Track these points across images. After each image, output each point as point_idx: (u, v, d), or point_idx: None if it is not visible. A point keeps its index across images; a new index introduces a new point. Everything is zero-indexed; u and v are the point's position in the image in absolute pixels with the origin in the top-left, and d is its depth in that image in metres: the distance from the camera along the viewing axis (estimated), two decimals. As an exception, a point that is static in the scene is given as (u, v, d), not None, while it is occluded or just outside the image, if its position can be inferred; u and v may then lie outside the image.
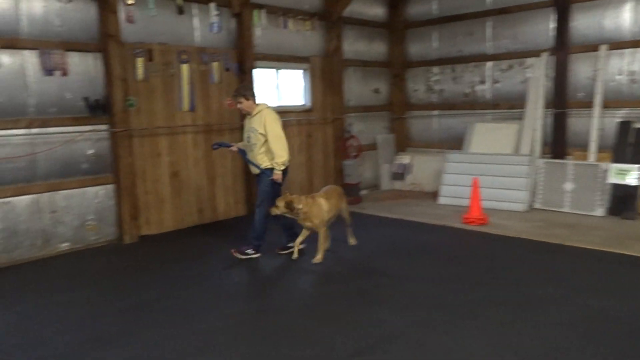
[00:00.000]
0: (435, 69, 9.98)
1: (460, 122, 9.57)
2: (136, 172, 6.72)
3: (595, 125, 7.75)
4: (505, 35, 8.91)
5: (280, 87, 8.57)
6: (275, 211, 5.44)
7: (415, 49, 10.25)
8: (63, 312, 4.42)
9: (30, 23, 5.81)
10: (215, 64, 7.42)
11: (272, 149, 5.52)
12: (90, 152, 6.39)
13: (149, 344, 3.79)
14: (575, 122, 8.10)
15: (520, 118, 8.52)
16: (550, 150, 8.24)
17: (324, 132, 9.17)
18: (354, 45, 9.64)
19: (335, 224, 5.97)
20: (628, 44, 7.60)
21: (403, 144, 10.47)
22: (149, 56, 6.74)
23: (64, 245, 6.21)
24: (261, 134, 5.54)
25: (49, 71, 5.94)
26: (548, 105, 8.29)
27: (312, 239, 5.69)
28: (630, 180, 7.09)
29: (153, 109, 6.87)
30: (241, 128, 7.83)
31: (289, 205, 5.38)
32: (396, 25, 10.22)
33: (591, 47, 7.87)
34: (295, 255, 5.68)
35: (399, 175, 9.98)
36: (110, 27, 6.25)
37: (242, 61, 7.67)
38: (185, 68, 7.10)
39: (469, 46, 9.41)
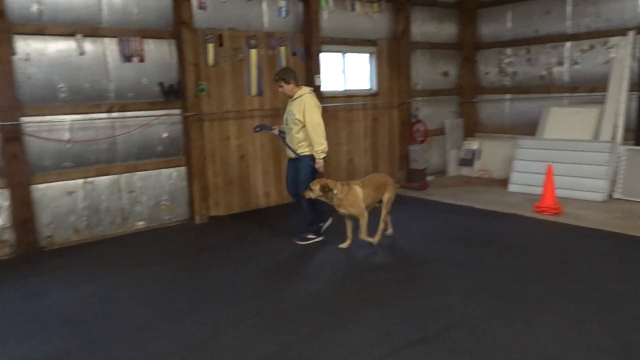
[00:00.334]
0: (509, 51, 9.54)
1: (534, 106, 9.12)
2: (206, 155, 6.96)
3: (688, 109, 7.14)
4: (587, 13, 8.34)
5: (346, 71, 8.53)
6: (309, 194, 5.31)
7: (488, 29, 9.83)
8: (138, 287, 4.70)
9: (110, 12, 6.12)
10: (282, 49, 7.49)
11: (310, 136, 5.43)
12: (164, 135, 6.69)
13: (216, 321, 3.95)
14: (664, 106, 7.51)
15: (600, 102, 7.99)
16: (634, 136, 7.68)
17: (390, 116, 9.05)
18: (422, 27, 9.39)
19: (396, 209, 5.87)
20: None
21: (472, 129, 10.13)
22: (220, 42, 6.91)
23: (140, 224, 6.58)
24: (298, 119, 5.46)
25: (127, 58, 6.24)
26: (633, 88, 7.71)
27: (371, 224, 5.66)
28: None
29: (222, 93, 7.06)
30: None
31: (324, 189, 5.23)
32: (467, 5, 9.83)
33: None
34: (347, 244, 5.59)
35: (467, 161, 9.70)
36: (183, 14, 6.46)
37: (309, 45, 7.69)
38: (253, 53, 7.23)
39: (546, 25, 8.90)
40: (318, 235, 5.81)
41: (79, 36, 5.88)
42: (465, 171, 9.74)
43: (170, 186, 6.80)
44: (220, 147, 7.12)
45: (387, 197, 5.67)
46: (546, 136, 8.33)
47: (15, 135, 5.55)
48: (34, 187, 5.76)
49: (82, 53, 5.94)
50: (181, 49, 6.52)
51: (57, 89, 5.84)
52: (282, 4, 7.44)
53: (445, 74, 9.95)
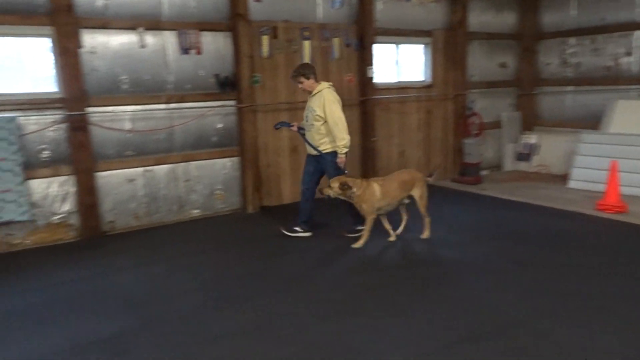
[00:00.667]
0: (572, 40, 9.09)
1: (598, 98, 8.67)
2: (259, 146, 7.06)
3: None
4: (660, 0, 7.84)
5: (399, 63, 8.41)
6: (328, 191, 5.18)
7: (550, 18, 9.42)
8: (194, 273, 4.85)
9: (170, 5, 6.30)
10: (336, 40, 7.47)
11: (332, 132, 5.35)
12: (219, 126, 6.83)
13: (269, 308, 4.01)
14: None
15: (673, 94, 7.52)
16: None
17: (444, 108, 8.86)
18: (480, 17, 9.11)
19: (439, 208, 5.75)
20: None
21: (530, 122, 9.76)
22: (274, 33, 6.97)
23: (195, 212, 6.77)
24: (318, 115, 5.38)
25: (185, 50, 6.41)
26: None
27: (414, 217, 5.58)
28: None
29: (276, 85, 7.13)
30: (358, 104, 7.89)
31: (344, 187, 5.10)
32: (528, -7, 9.47)
33: None
34: (392, 238, 5.55)
35: (524, 156, 9.36)
36: (239, 7, 6.56)
37: (363, 36, 7.63)
38: (307, 44, 7.24)
39: (614, 13, 8.43)
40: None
41: (140, 29, 6.09)
42: (523, 166, 9.41)
43: (224, 176, 6.95)
44: (273, 139, 7.20)
45: (417, 193, 5.43)
46: (612, 130, 7.92)
47: (82, 125, 5.82)
48: (97, 174, 6.05)
49: (143, 46, 6.14)
50: (236, 41, 6.63)
51: (119, 80, 6.08)
52: (337, -5, 7.42)
53: (503, 65, 9.62)
